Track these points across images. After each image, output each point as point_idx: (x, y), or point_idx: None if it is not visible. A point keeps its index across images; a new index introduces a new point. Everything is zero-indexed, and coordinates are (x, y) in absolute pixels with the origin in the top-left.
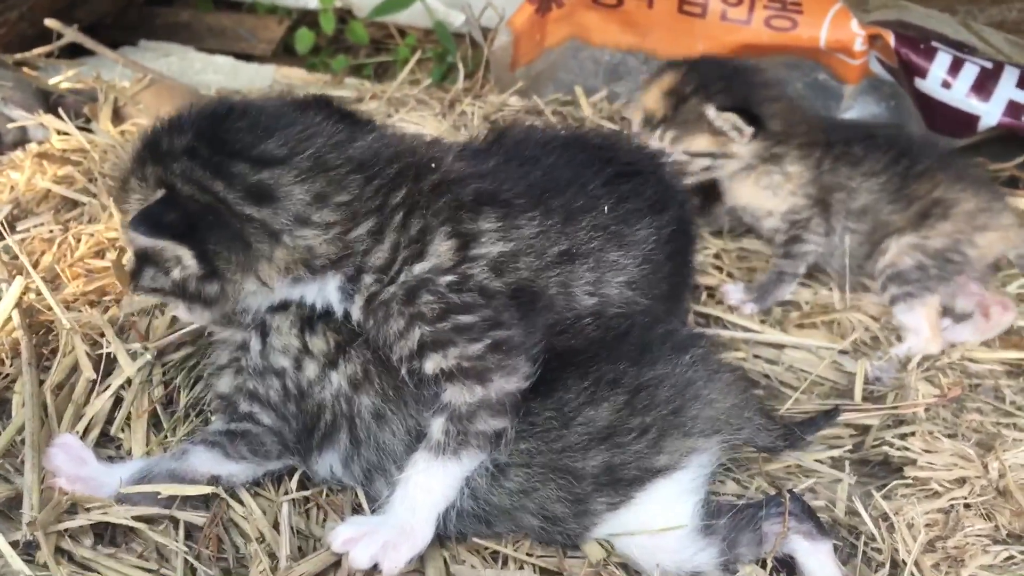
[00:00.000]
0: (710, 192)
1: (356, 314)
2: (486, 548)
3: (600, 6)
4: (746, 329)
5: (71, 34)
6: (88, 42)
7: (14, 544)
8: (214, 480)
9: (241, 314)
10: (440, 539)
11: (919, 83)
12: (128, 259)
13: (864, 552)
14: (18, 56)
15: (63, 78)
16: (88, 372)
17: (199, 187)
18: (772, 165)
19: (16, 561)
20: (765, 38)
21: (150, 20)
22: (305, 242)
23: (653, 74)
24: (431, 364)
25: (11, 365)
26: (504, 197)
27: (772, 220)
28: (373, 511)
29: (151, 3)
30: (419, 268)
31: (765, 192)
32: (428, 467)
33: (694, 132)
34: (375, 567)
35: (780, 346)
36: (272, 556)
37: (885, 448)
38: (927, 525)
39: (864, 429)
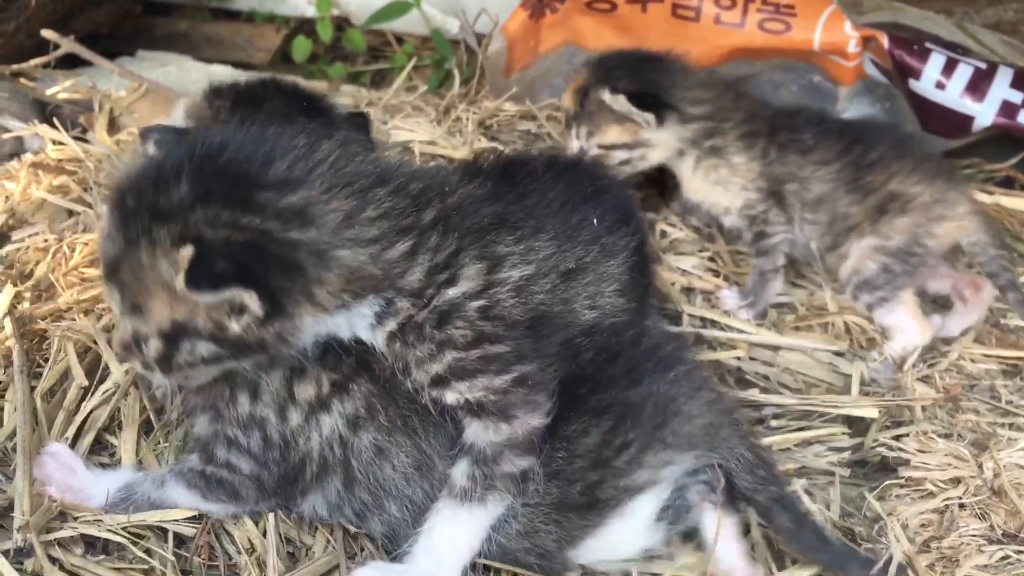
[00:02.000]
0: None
1: (380, 341)
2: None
3: (594, 11)
4: (741, 331)
5: (68, 44)
6: (85, 52)
7: (5, 553)
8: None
9: (282, 356)
10: None
11: (913, 84)
12: (155, 348)
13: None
14: (14, 67)
15: (59, 89)
16: (80, 379)
17: (233, 227)
18: (716, 158)
19: (9, 571)
20: (759, 41)
21: (148, 30)
22: (353, 261)
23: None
24: (453, 395)
25: (4, 373)
26: (514, 219)
27: (731, 218)
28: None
29: (148, 14)
30: (452, 292)
31: (716, 188)
32: (454, 516)
33: (601, 123)
34: None
35: (776, 348)
36: (263, 566)
37: (880, 449)
38: (922, 526)
39: (862, 431)
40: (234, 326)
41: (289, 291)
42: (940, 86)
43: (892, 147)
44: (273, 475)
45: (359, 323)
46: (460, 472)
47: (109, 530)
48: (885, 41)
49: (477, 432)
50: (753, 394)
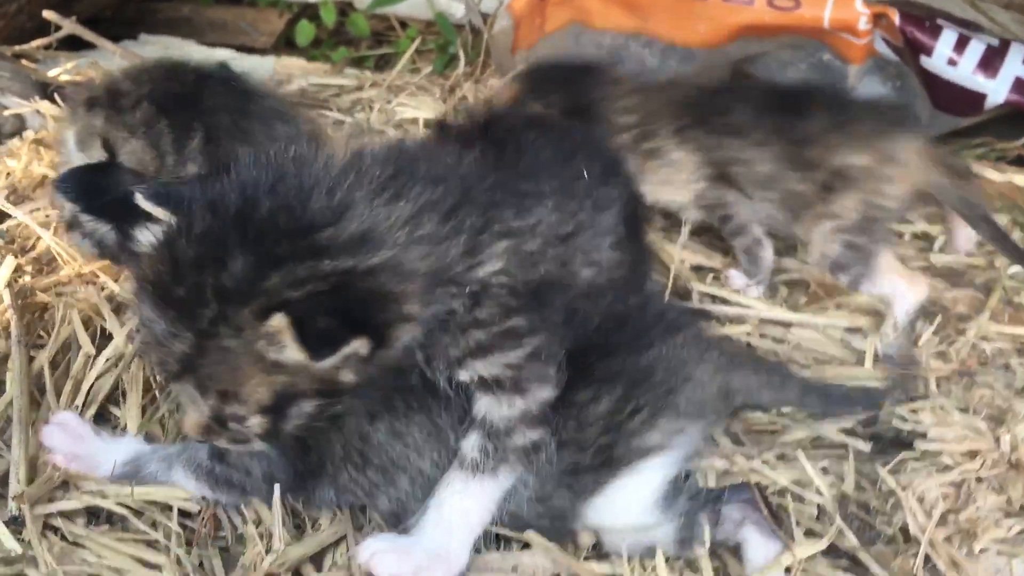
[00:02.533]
0: None
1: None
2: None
3: None
4: (751, 308)
5: (69, 26)
6: (87, 34)
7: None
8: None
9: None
10: None
11: (924, 61)
12: (258, 424)
13: (873, 527)
14: (16, 48)
15: (62, 70)
16: (87, 347)
17: (313, 278)
18: (655, 160)
19: (9, 539)
20: (768, 18)
21: (150, 15)
22: (424, 263)
23: None
24: (468, 373)
25: (4, 343)
26: (521, 188)
27: (690, 212)
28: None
29: None
30: (482, 273)
31: (665, 188)
32: (465, 487)
33: None
34: None
35: (788, 324)
36: (270, 537)
37: (896, 423)
38: (938, 499)
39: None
40: (347, 376)
41: (388, 320)
42: (952, 63)
43: (829, 118)
44: (288, 476)
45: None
46: (471, 445)
47: (118, 503)
48: (896, 18)
49: (489, 406)
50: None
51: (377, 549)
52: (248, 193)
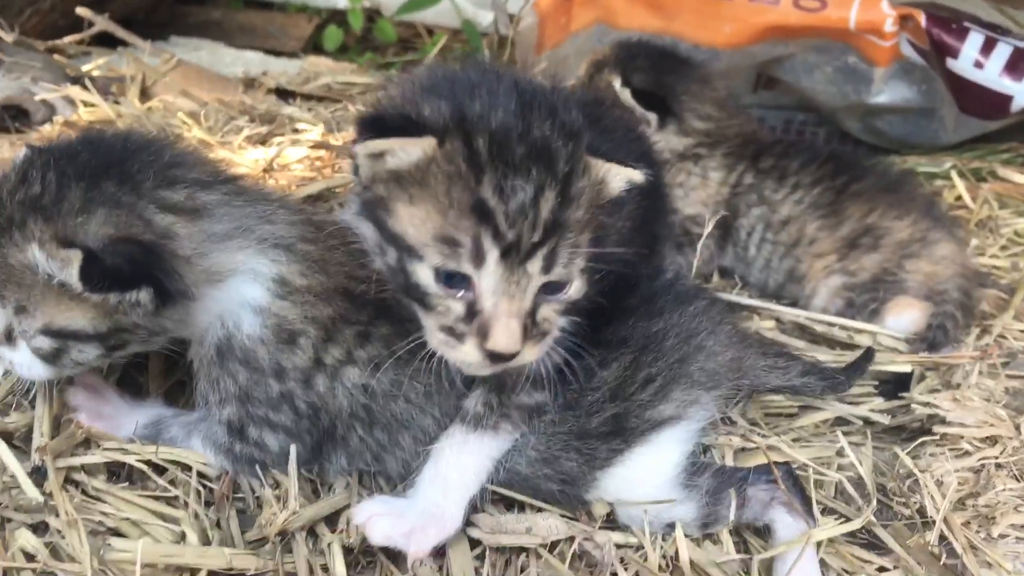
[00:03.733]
0: None
1: None
2: (499, 497)
3: None
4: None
5: (102, 22)
6: (119, 30)
7: (29, 474)
8: None
9: None
10: None
11: (951, 63)
12: (42, 345)
13: (891, 508)
14: (49, 43)
15: (93, 66)
16: None
17: (132, 224)
18: (692, 164)
19: (31, 488)
20: (794, 19)
21: (181, 18)
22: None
23: None
24: None
25: None
26: None
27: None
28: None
29: (182, 2)
30: None
31: (676, 191)
32: (464, 440)
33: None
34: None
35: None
36: (287, 499)
37: (916, 407)
38: (958, 484)
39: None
40: (134, 321)
41: (177, 278)
42: (979, 65)
43: (882, 183)
44: (306, 445)
45: None
46: (475, 399)
47: (140, 460)
48: (923, 19)
49: None
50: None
51: (373, 512)
52: (109, 144)
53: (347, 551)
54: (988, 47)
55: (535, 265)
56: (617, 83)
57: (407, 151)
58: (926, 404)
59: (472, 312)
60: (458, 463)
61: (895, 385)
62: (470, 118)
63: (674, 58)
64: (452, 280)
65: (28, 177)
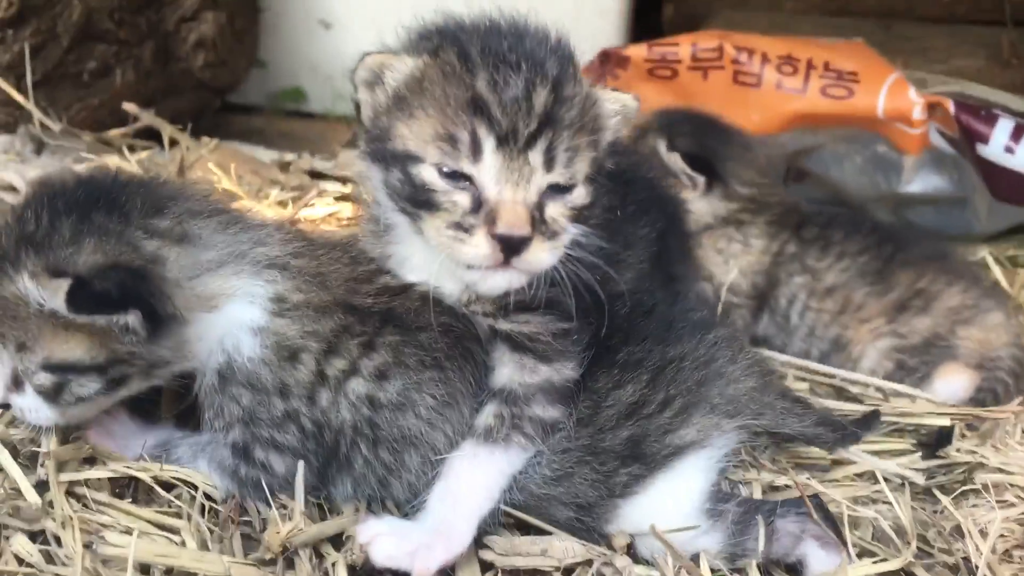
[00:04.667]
0: None
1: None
2: (512, 521)
3: (656, 78)
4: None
5: (147, 117)
6: (164, 125)
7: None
8: None
9: None
10: None
11: (981, 149)
12: (44, 381)
13: (931, 555)
14: (96, 135)
15: (136, 159)
16: None
17: (121, 252)
18: (735, 230)
19: (31, 494)
20: (822, 107)
21: (225, 125)
22: None
23: None
24: (509, 324)
25: None
26: None
27: (704, 286)
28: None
29: (227, 111)
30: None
31: (716, 257)
32: (475, 454)
33: None
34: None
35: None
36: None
37: (956, 455)
38: (1002, 535)
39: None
40: (126, 349)
41: (166, 305)
42: (1009, 150)
43: (929, 252)
44: (312, 467)
45: None
46: (487, 413)
47: (142, 473)
48: (951, 107)
49: (512, 374)
50: (825, 401)
51: (377, 532)
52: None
53: (351, 570)
54: (1018, 133)
55: (536, 157)
56: (663, 147)
57: (404, 63)
58: (969, 452)
59: (478, 204)
60: (469, 478)
61: (937, 441)
62: (463, 32)
63: (717, 124)
64: (455, 180)
65: (24, 216)
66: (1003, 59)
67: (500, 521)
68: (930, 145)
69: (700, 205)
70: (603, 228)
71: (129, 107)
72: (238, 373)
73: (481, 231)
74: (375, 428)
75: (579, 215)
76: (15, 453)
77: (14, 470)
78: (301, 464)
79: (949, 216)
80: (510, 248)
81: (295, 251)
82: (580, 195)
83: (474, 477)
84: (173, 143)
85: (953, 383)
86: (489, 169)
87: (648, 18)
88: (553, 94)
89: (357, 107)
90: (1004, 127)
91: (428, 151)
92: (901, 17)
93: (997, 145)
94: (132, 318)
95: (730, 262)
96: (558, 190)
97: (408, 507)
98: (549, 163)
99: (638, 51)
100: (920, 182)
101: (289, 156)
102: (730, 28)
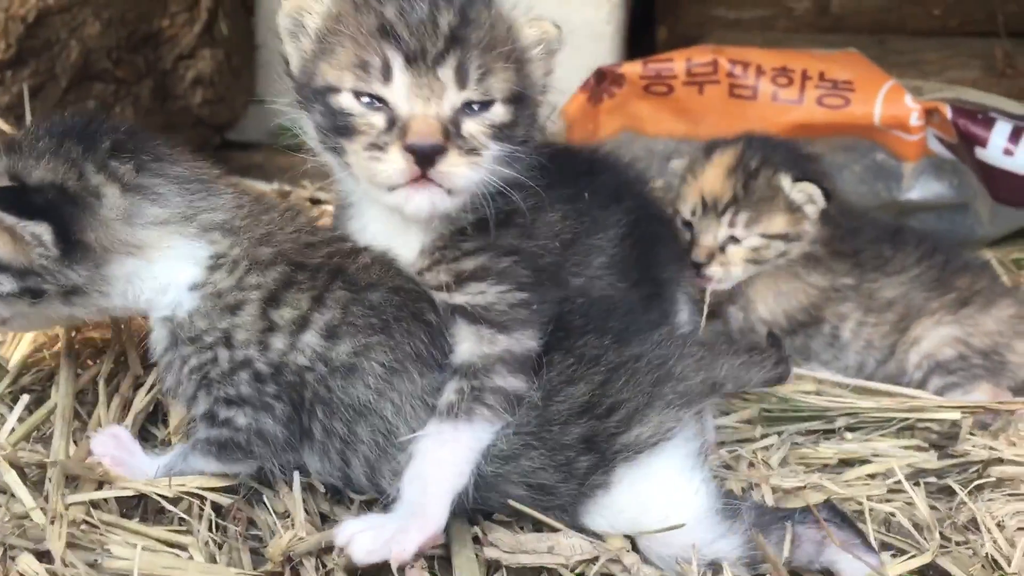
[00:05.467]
0: None
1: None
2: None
3: (652, 95)
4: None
5: None
6: None
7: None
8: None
9: None
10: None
11: (980, 153)
12: None
13: (948, 551)
14: None
15: None
16: (135, 368)
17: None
18: (801, 267)
19: (37, 513)
20: (818, 117)
21: (225, 161)
22: None
23: (697, 157)
24: (464, 296)
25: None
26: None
27: (735, 311)
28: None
29: (225, 147)
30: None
31: (767, 292)
32: (439, 431)
33: (770, 211)
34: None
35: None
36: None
37: (967, 447)
38: (1020, 528)
39: (945, 438)
40: (38, 260)
41: (80, 228)
42: (1008, 153)
43: (975, 263)
44: (277, 417)
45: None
46: (448, 390)
47: (157, 494)
48: (948, 112)
49: (471, 348)
50: (831, 399)
51: (353, 531)
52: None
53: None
54: (1016, 135)
55: (446, 73)
56: (788, 183)
57: (321, 2)
58: (983, 447)
59: (392, 123)
60: (435, 457)
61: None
62: None
63: (803, 150)
64: (370, 104)
65: (28, 129)
66: (997, 70)
67: (505, 517)
68: (929, 151)
69: (811, 232)
70: (570, 211)
71: None
72: (181, 330)
73: (395, 146)
74: (330, 391)
75: (499, 133)
76: (23, 475)
77: (20, 490)
78: (297, 475)
79: (951, 222)
80: (424, 159)
81: (245, 214)
82: (499, 112)
83: (441, 456)
84: None
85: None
86: (399, 88)
87: (642, 40)
88: (460, 16)
89: (287, 62)
90: (1002, 130)
91: (344, 79)
92: (894, 32)
93: (996, 148)
94: (40, 229)
95: (780, 299)
96: (474, 108)
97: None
98: (461, 80)
99: (633, 68)
100: (920, 189)
101: (288, 187)
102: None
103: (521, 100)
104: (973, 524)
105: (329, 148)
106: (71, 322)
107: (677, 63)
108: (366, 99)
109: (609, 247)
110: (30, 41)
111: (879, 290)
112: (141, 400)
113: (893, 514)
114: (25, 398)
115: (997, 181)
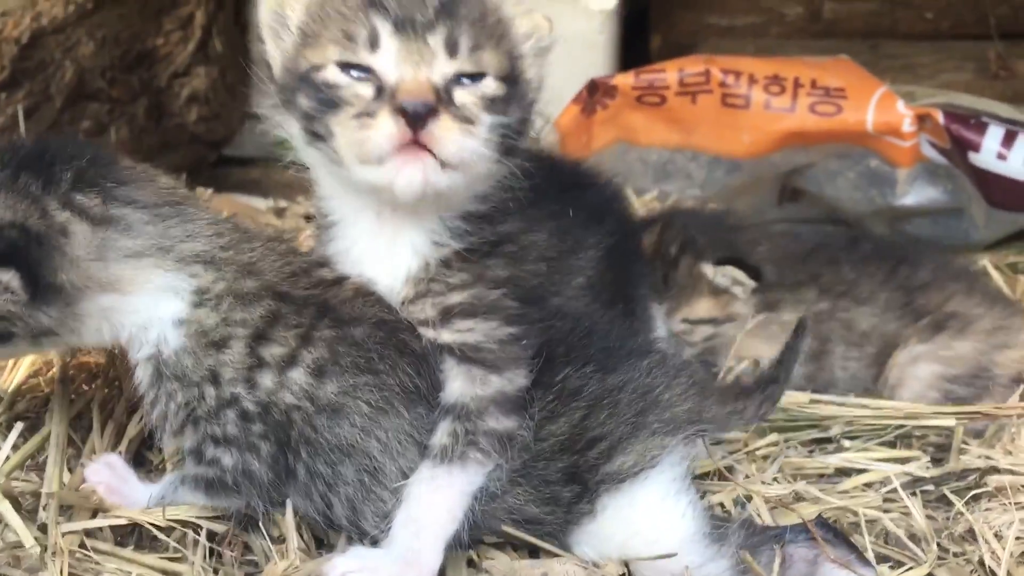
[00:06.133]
0: None
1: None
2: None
3: (645, 105)
4: None
5: None
6: None
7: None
8: None
9: None
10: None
11: (973, 157)
12: None
13: (946, 562)
14: None
15: None
16: (129, 393)
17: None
18: (770, 312)
19: (30, 541)
20: (811, 124)
21: (222, 178)
22: None
23: None
24: (451, 335)
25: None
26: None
27: (747, 368)
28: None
29: (223, 164)
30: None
31: (763, 345)
32: (432, 476)
33: (692, 297)
34: None
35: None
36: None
37: (966, 459)
38: (1017, 538)
39: (945, 447)
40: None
41: (51, 273)
42: (1001, 157)
43: (942, 266)
44: (262, 458)
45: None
46: (442, 430)
47: (150, 523)
48: (940, 117)
49: (463, 388)
50: (826, 408)
51: (346, 569)
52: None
53: None
54: (1009, 139)
55: (436, 41)
56: (710, 269)
57: None
58: (980, 456)
59: (380, 91)
60: (429, 501)
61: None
62: None
63: (719, 218)
64: (356, 74)
65: None
66: (991, 72)
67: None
68: (922, 157)
69: (745, 309)
70: (555, 229)
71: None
72: (167, 367)
73: (384, 109)
74: (315, 430)
75: (493, 105)
76: (17, 505)
77: (14, 520)
78: (290, 503)
79: (946, 227)
80: (416, 119)
81: (225, 244)
82: (491, 85)
83: (435, 501)
84: None
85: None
86: (387, 54)
87: (636, 49)
88: None
89: (269, 67)
90: (995, 134)
91: (328, 53)
92: (886, 36)
93: (989, 152)
94: (7, 276)
95: (771, 343)
96: (465, 81)
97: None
98: (451, 49)
99: (625, 79)
100: (915, 194)
101: (284, 203)
102: (717, 55)
103: (514, 84)
104: (970, 534)
105: (314, 139)
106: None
107: (669, 73)
108: (353, 72)
109: (588, 267)
110: (24, 62)
111: (853, 321)
112: (135, 426)
113: (890, 525)
114: (19, 425)
115: (991, 185)
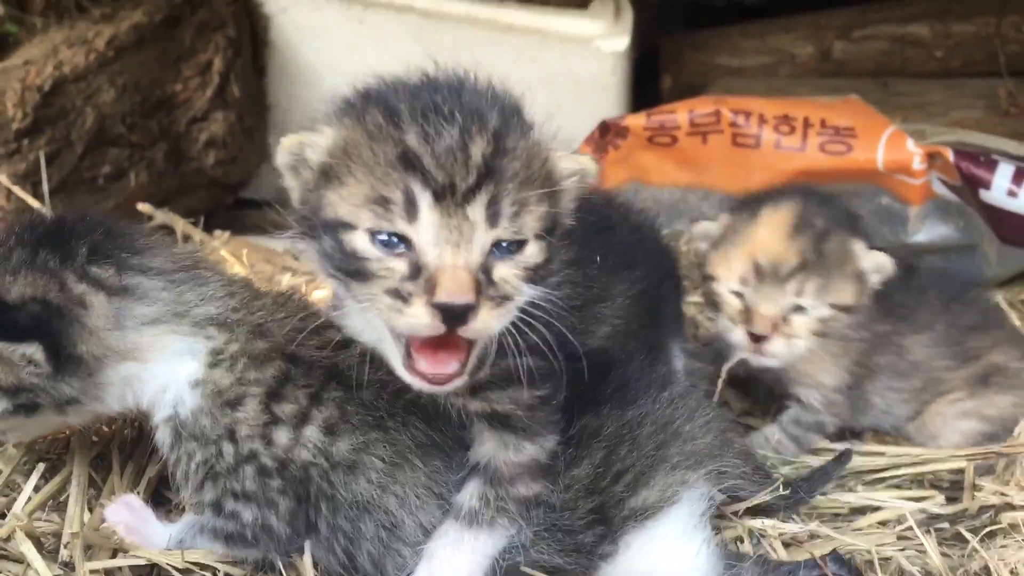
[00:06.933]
0: None
1: None
2: None
3: (656, 146)
4: None
5: (161, 215)
6: (178, 221)
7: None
8: None
9: None
10: None
11: (984, 195)
12: None
13: None
14: None
15: None
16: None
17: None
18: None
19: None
20: (821, 163)
21: (239, 220)
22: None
23: (737, 217)
24: (480, 404)
25: None
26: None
27: (812, 393)
28: None
29: (240, 207)
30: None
31: (823, 363)
32: (459, 539)
33: (841, 280)
34: None
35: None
36: None
37: (980, 496)
38: None
39: (959, 485)
40: (30, 380)
41: (72, 345)
42: (1012, 194)
43: (987, 308)
44: (280, 514)
45: None
46: (469, 493)
47: (169, 564)
48: (950, 155)
49: (495, 451)
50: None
51: None
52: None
53: None
54: (1019, 176)
55: (476, 211)
56: (859, 247)
57: (324, 135)
58: (994, 492)
59: (417, 270)
60: (454, 564)
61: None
62: (391, 91)
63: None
64: (390, 245)
65: (1, 241)
66: (1001, 109)
67: None
68: (934, 194)
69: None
70: (575, 280)
71: (143, 207)
72: (184, 427)
73: (420, 300)
74: (332, 486)
75: (534, 275)
76: (39, 545)
77: (37, 560)
78: (308, 544)
79: (959, 264)
80: (453, 317)
81: (237, 305)
82: (532, 253)
83: (459, 562)
84: (187, 238)
85: None
86: (427, 228)
87: (647, 90)
88: (493, 144)
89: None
90: (1005, 172)
91: (360, 216)
92: (896, 74)
93: (999, 190)
94: (31, 350)
95: (836, 363)
96: (506, 249)
97: None
98: (493, 218)
99: (636, 120)
100: (927, 231)
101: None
102: (727, 95)
103: (552, 232)
104: (986, 571)
105: (335, 278)
106: (68, 427)
107: (680, 114)
108: (383, 237)
109: (614, 316)
110: (46, 109)
111: (907, 349)
112: (154, 466)
113: (904, 563)
114: (41, 466)
115: (1003, 222)
